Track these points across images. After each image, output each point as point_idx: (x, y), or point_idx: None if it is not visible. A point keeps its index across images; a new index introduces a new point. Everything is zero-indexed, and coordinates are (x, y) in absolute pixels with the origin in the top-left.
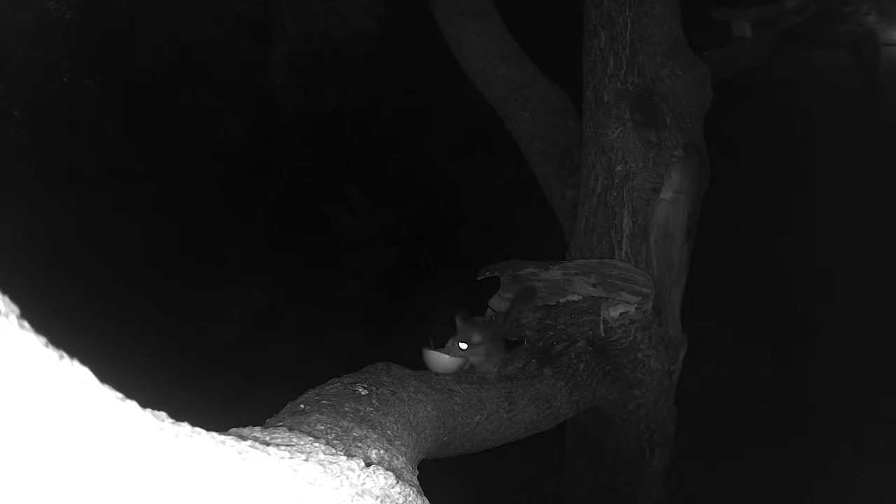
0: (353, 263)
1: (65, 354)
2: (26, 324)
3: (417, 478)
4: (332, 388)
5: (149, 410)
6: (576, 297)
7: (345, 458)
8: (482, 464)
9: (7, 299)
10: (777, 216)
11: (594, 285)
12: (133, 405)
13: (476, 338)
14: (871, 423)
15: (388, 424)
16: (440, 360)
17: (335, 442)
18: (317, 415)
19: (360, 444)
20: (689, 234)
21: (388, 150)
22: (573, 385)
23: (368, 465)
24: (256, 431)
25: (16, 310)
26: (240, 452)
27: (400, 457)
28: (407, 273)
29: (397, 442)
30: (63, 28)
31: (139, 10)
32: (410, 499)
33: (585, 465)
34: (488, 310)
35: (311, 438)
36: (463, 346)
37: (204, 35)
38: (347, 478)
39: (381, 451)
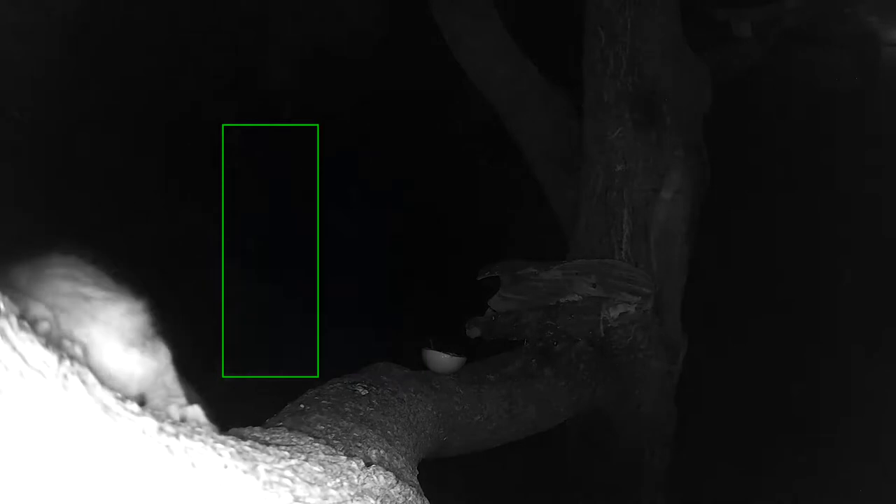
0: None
1: (65, 354)
2: (26, 324)
3: (417, 478)
4: (332, 388)
5: (149, 410)
6: (576, 297)
7: (345, 458)
8: (482, 464)
9: (7, 300)
10: (778, 216)
11: (594, 285)
12: (133, 405)
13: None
14: (871, 424)
15: (388, 424)
16: (440, 360)
17: (335, 442)
18: (317, 415)
19: (360, 444)
20: (689, 234)
21: (388, 150)
22: (573, 385)
23: (368, 465)
24: (256, 431)
25: (16, 310)
26: (240, 452)
27: (400, 457)
28: (407, 273)
29: (397, 442)
30: (63, 28)
31: (139, 11)
32: (410, 499)
33: (585, 465)
34: (488, 310)
35: (311, 438)
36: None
37: (204, 36)
38: (347, 478)
39: (381, 451)
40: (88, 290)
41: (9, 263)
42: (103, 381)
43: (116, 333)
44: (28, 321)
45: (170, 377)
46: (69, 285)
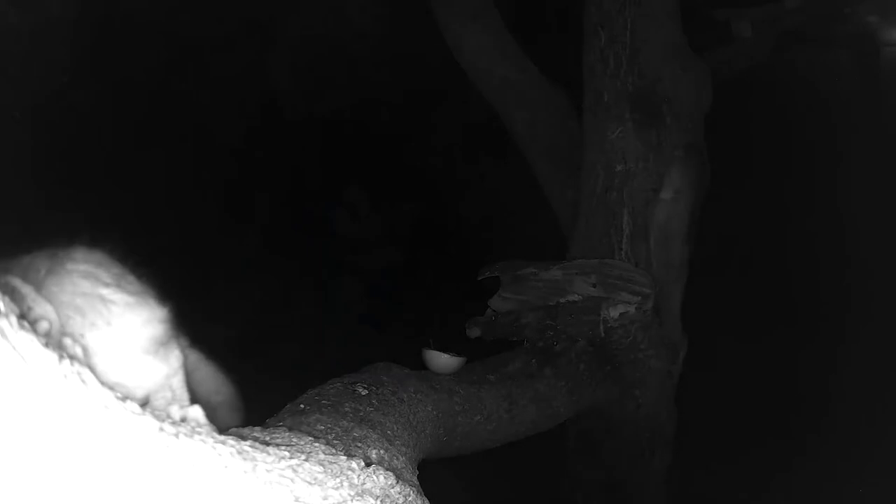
0: (353, 263)
1: (65, 354)
2: (27, 324)
3: (417, 478)
4: (332, 388)
5: (149, 410)
6: (576, 297)
7: (345, 457)
8: (482, 464)
9: (7, 300)
10: (776, 216)
11: (594, 285)
12: (133, 405)
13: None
14: (872, 424)
15: (388, 424)
16: (440, 360)
17: (335, 442)
18: (317, 415)
19: (360, 444)
20: (689, 234)
21: (388, 150)
22: (573, 385)
23: (368, 465)
24: (256, 431)
25: (16, 310)
26: (240, 452)
27: (400, 457)
28: (407, 274)
29: (397, 442)
30: (63, 28)
31: (139, 11)
32: (410, 499)
33: (585, 465)
34: (488, 310)
35: (311, 438)
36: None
37: (205, 36)
38: (347, 478)
39: (381, 451)
40: (108, 293)
41: (29, 253)
42: (109, 383)
43: (131, 341)
44: (28, 321)
45: (178, 380)
46: (88, 284)
